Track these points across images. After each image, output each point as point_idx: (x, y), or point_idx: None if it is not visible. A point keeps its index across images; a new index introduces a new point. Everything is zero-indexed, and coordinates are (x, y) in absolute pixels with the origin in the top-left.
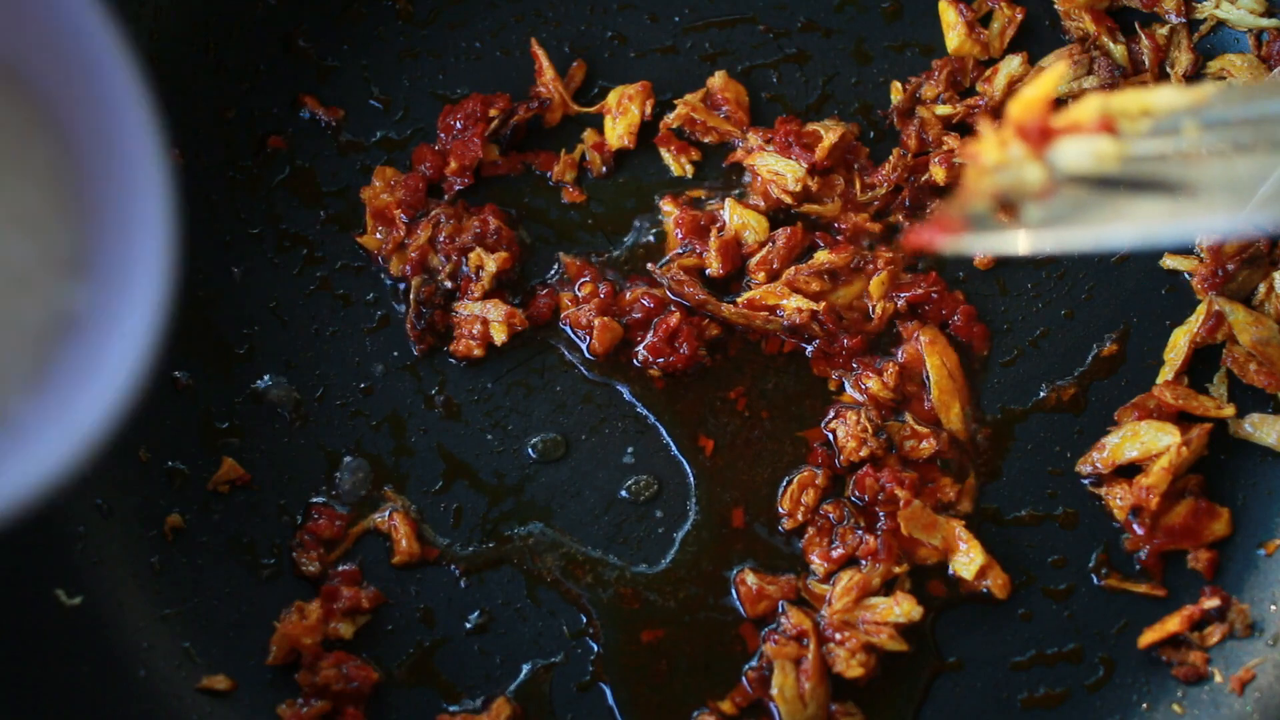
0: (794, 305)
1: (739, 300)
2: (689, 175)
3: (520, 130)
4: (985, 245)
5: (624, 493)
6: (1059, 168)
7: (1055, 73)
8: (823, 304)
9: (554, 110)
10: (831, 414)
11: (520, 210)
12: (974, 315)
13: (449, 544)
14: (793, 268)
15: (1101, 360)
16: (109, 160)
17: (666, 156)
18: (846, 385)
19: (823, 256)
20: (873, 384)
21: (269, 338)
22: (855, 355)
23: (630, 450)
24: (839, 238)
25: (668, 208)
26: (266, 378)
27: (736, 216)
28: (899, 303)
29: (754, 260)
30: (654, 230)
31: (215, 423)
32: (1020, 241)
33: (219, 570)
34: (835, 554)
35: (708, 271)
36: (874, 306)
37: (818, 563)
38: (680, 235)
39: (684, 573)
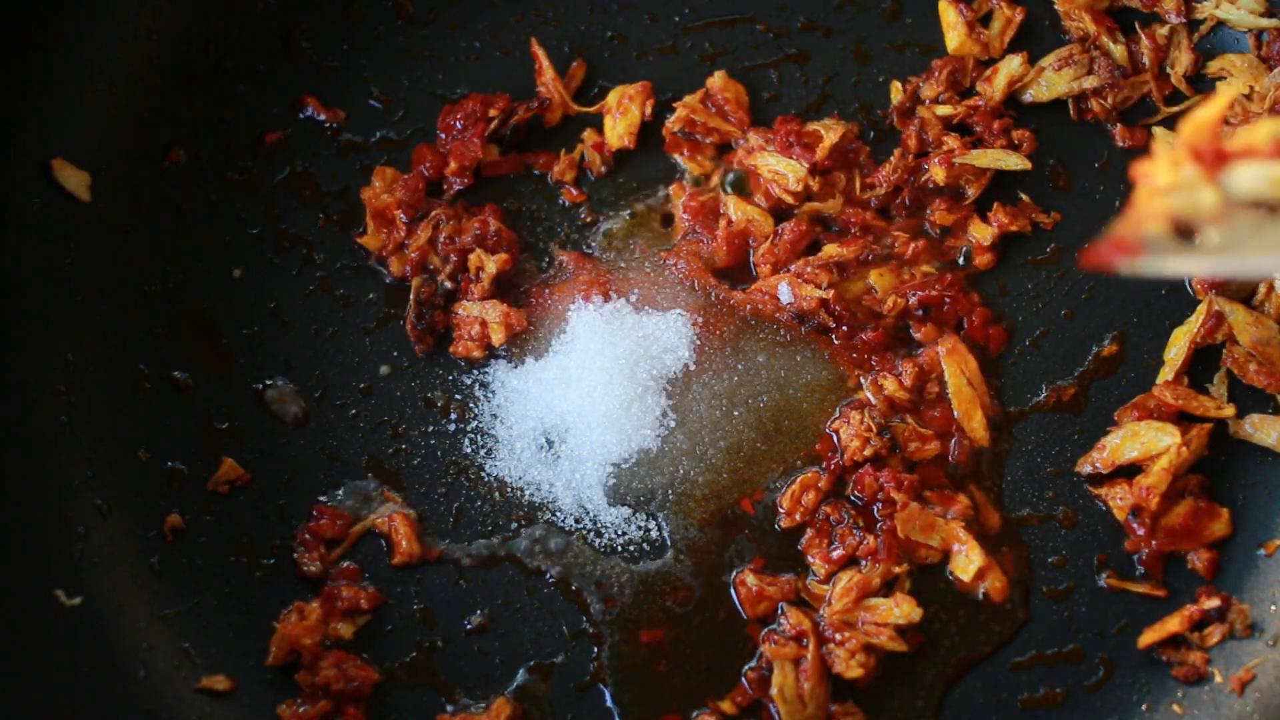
0: (804, 291)
1: (747, 288)
2: (710, 174)
3: (520, 130)
4: (1163, 267)
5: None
6: (1234, 192)
7: (1227, 94)
8: (831, 291)
9: (554, 110)
10: (836, 413)
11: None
12: (990, 317)
13: (449, 544)
14: (801, 260)
15: (1101, 360)
16: None
17: (681, 160)
18: (864, 384)
19: (831, 249)
20: (889, 385)
21: (269, 338)
22: (874, 350)
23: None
24: (853, 231)
25: (676, 195)
26: (266, 378)
27: (740, 212)
28: (910, 300)
29: (759, 252)
30: (658, 216)
31: (215, 423)
32: (1198, 264)
33: (219, 570)
34: (835, 555)
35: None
36: (884, 300)
37: (817, 563)
38: (689, 221)
39: (684, 573)
